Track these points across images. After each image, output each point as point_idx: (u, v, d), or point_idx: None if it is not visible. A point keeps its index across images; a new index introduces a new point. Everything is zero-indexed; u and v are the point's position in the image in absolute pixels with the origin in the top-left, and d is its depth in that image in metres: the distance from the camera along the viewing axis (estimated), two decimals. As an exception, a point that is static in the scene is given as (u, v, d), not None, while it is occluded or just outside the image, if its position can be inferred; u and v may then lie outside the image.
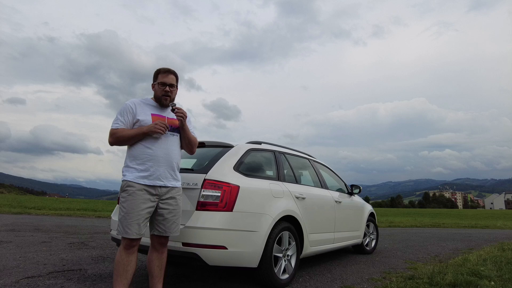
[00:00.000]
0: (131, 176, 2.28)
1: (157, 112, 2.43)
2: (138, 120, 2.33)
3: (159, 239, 2.39)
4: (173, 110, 2.41)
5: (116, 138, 2.29)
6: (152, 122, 2.34)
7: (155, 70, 2.49)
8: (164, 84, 2.40)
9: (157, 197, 2.32)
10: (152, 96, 2.50)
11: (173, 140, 2.44)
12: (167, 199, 2.35)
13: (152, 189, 2.29)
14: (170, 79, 2.43)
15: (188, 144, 2.52)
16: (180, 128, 2.46)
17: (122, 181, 2.31)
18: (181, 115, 2.39)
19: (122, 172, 2.36)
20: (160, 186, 2.32)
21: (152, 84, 2.49)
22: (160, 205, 2.33)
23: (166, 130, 2.32)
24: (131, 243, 2.23)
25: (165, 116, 2.43)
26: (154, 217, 2.35)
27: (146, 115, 2.35)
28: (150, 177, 2.28)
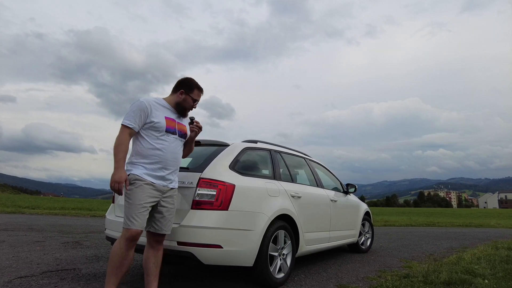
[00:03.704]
0: (138, 171, 2.31)
1: (170, 115, 2.48)
2: (152, 121, 2.35)
3: (156, 237, 2.43)
4: (191, 122, 2.62)
5: (115, 144, 2.25)
6: (166, 125, 2.39)
7: (191, 80, 2.56)
8: (196, 101, 2.56)
9: (160, 193, 2.38)
10: (166, 97, 2.54)
11: (180, 145, 2.55)
12: (167, 197, 2.43)
13: (157, 186, 2.35)
14: (201, 97, 2.60)
15: (188, 152, 2.71)
16: (190, 138, 2.65)
17: (128, 175, 2.29)
18: (197, 129, 2.63)
19: (126, 167, 2.34)
20: (163, 186, 2.39)
21: (180, 90, 2.51)
22: (161, 202, 2.40)
23: (117, 195, 2.36)
24: (133, 236, 2.22)
25: (175, 121, 2.51)
26: (152, 214, 2.38)
27: (161, 118, 2.39)
28: (156, 177, 2.35)
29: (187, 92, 2.51)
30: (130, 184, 2.29)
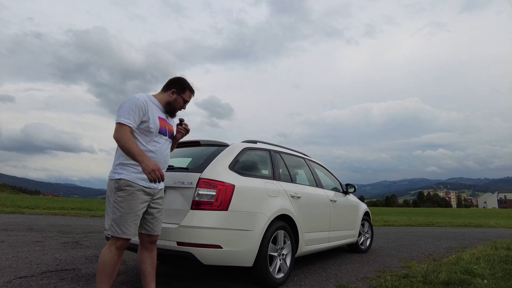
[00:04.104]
0: (129, 176, 2.21)
1: (161, 115, 2.42)
2: (148, 120, 2.25)
3: (150, 238, 2.39)
4: (180, 124, 2.57)
5: (121, 142, 2.12)
6: (159, 126, 2.33)
7: (184, 81, 2.49)
8: (186, 102, 2.51)
9: (150, 197, 2.33)
10: (155, 95, 2.45)
11: (169, 146, 2.52)
12: (157, 198, 2.39)
13: (148, 190, 2.29)
14: (191, 99, 2.56)
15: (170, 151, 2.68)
16: (175, 139, 2.59)
17: (119, 179, 2.20)
18: (184, 131, 2.57)
19: (116, 169, 2.24)
20: (153, 188, 2.34)
21: (172, 90, 2.43)
22: (152, 204, 2.35)
23: (157, 183, 2.16)
24: (124, 244, 2.21)
25: (166, 121, 2.46)
26: (143, 216, 2.32)
27: (155, 118, 2.32)
28: (147, 179, 2.21)
29: (179, 92, 2.43)
30: (121, 190, 2.18)
